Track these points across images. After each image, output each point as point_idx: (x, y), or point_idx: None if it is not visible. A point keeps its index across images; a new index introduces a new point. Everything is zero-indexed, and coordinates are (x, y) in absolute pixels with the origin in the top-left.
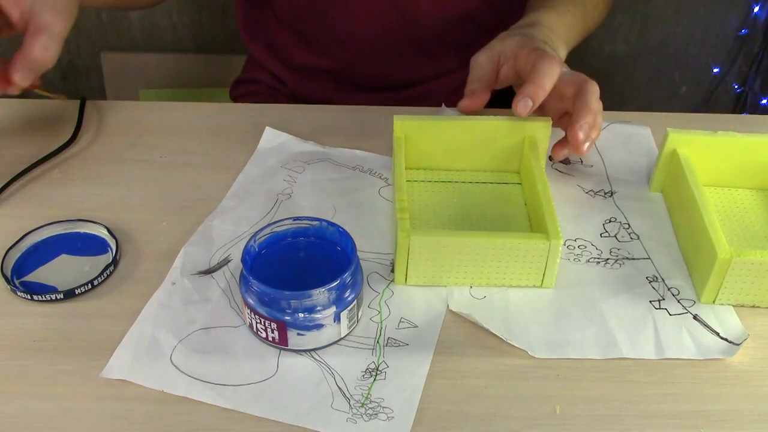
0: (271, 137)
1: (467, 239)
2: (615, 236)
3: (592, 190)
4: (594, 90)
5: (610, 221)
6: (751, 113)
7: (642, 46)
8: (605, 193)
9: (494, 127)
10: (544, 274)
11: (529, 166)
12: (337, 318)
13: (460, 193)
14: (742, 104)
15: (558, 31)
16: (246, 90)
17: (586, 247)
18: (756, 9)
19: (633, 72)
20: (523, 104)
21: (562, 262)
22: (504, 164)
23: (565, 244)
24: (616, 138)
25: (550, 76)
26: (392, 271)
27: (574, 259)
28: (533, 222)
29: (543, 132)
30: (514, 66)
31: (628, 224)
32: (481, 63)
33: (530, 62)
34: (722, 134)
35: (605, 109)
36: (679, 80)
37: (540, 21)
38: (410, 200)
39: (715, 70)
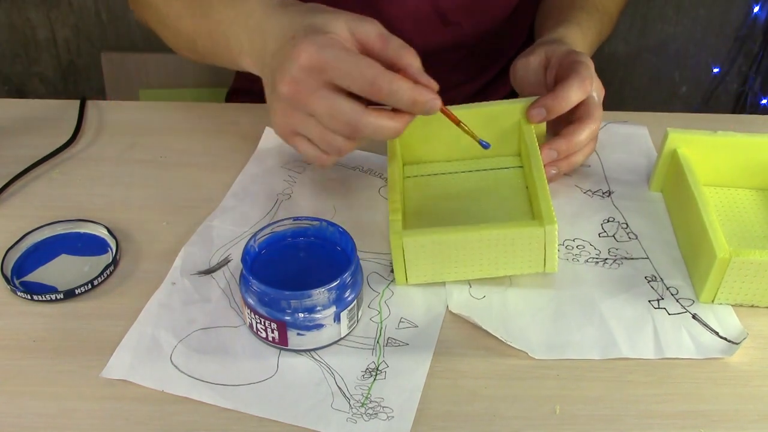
0: (271, 137)
1: (459, 235)
2: (613, 236)
3: (590, 190)
4: (589, 126)
5: (608, 221)
6: (751, 113)
7: (642, 46)
8: (603, 193)
9: (489, 113)
10: (545, 260)
11: (525, 149)
12: (337, 318)
13: (461, 182)
14: (742, 104)
15: (581, 49)
16: (242, 101)
17: (584, 247)
18: (756, 9)
19: (633, 72)
20: (537, 113)
21: (561, 262)
22: (504, 149)
23: (563, 244)
24: (614, 138)
25: (577, 93)
26: (392, 271)
27: (573, 259)
28: (533, 206)
29: None
30: (556, 73)
31: (627, 224)
32: (535, 69)
33: (567, 69)
34: (722, 134)
35: (605, 109)
36: (679, 80)
37: (565, 40)
38: (409, 194)
39: (715, 70)
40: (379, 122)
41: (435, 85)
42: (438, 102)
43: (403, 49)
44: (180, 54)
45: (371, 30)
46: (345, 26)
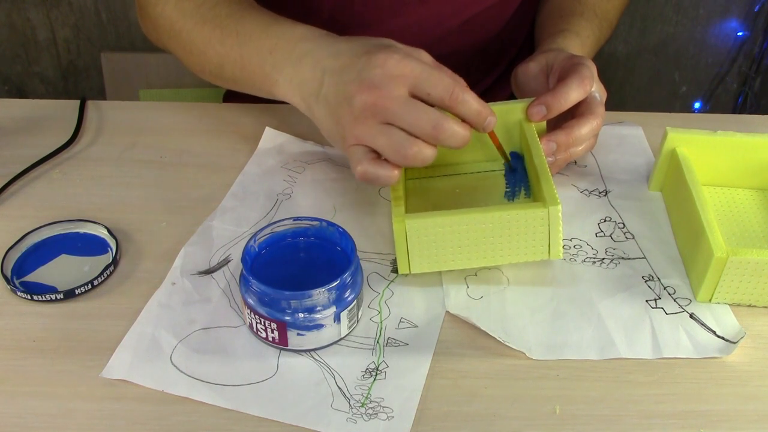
0: (271, 137)
1: (462, 217)
2: (610, 236)
3: (586, 189)
4: (591, 123)
5: (605, 220)
6: (751, 113)
7: (642, 46)
8: (600, 192)
9: None
10: (549, 245)
11: (526, 144)
12: (337, 318)
13: (463, 184)
14: (742, 104)
15: None
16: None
17: (581, 246)
18: (756, 9)
19: (633, 72)
20: (538, 111)
21: (558, 262)
22: (506, 149)
23: None
24: (610, 138)
25: (577, 91)
26: (392, 271)
27: (570, 259)
28: (535, 196)
29: None
30: (558, 77)
31: (623, 223)
32: (536, 75)
33: (568, 71)
34: (722, 134)
35: (604, 109)
36: (679, 80)
37: (564, 50)
38: (410, 193)
39: (716, 70)
40: (456, 127)
41: (489, 107)
42: (495, 119)
43: (456, 75)
44: (203, 78)
45: (426, 57)
46: (404, 50)
